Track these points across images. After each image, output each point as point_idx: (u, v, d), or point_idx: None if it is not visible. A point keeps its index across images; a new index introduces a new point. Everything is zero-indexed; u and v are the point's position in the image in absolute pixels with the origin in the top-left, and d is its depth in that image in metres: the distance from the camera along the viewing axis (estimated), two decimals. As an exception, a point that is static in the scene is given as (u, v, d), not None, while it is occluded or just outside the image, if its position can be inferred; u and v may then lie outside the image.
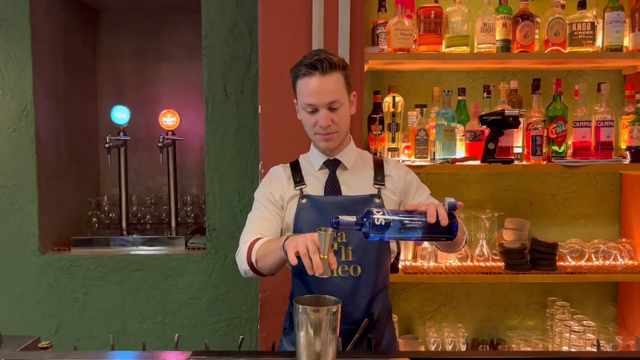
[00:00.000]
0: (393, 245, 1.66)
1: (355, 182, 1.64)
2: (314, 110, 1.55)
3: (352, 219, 1.28)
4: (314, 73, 1.52)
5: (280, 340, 1.72)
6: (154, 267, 2.65)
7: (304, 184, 1.64)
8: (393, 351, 1.67)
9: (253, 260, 1.49)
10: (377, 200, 1.60)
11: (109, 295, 2.65)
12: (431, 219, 1.28)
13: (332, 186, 1.63)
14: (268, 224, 1.61)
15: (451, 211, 1.31)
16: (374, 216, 1.26)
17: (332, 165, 1.65)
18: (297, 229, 1.61)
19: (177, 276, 2.65)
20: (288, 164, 1.71)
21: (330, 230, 1.26)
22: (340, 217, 1.28)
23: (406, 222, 1.29)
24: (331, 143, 1.60)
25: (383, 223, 1.26)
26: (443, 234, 1.32)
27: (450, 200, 1.31)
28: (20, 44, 2.59)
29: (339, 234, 1.53)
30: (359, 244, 1.57)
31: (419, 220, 1.29)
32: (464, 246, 1.63)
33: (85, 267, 2.64)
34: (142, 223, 3.13)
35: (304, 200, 1.61)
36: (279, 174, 1.69)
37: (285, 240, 1.34)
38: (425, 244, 2.43)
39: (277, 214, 1.63)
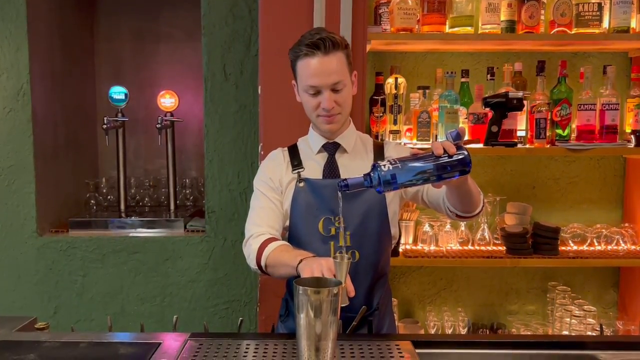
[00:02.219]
0: (394, 230, 1.62)
1: (355, 165, 1.59)
2: (317, 92, 1.50)
3: (360, 177, 1.24)
4: (316, 53, 1.47)
5: (277, 327, 1.70)
6: (153, 250, 2.63)
7: (302, 168, 1.60)
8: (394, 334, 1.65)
9: (263, 264, 1.48)
10: None
11: (107, 278, 2.64)
12: (438, 151, 1.23)
13: (331, 170, 1.59)
14: (271, 213, 1.58)
15: (456, 142, 1.25)
16: (381, 165, 1.22)
17: (332, 148, 1.61)
18: (294, 213, 1.58)
19: (176, 259, 2.63)
20: (286, 148, 1.67)
21: (346, 257, 1.24)
22: (348, 178, 1.26)
23: (415, 164, 1.23)
24: (334, 125, 1.55)
25: (391, 169, 1.21)
26: (456, 167, 1.25)
27: (451, 131, 1.26)
28: (16, 22, 2.54)
29: (343, 228, 1.48)
30: (358, 229, 1.53)
31: (427, 159, 1.24)
32: (482, 208, 1.52)
33: (84, 249, 2.62)
34: (141, 206, 3.10)
35: (301, 184, 1.57)
36: (278, 158, 1.65)
37: (300, 262, 1.31)
38: (427, 227, 2.41)
39: (279, 201, 1.60)
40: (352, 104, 1.59)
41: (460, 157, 1.24)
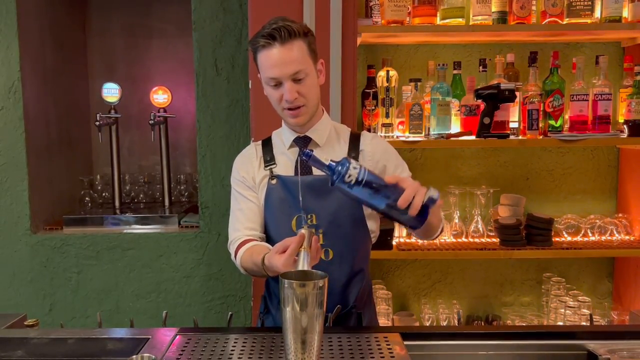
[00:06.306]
0: (373, 224, 1.56)
1: (328, 159, 1.57)
2: (278, 83, 1.45)
3: (326, 161, 1.24)
4: (273, 44, 1.41)
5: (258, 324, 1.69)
6: (147, 246, 2.63)
7: (274, 164, 1.55)
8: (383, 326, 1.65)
9: (242, 272, 1.52)
10: None
11: (102, 274, 2.64)
12: (402, 204, 1.19)
13: (303, 165, 1.53)
14: (249, 213, 1.56)
15: (427, 204, 1.21)
16: (348, 166, 1.20)
17: (302, 142, 1.54)
18: (267, 211, 1.55)
19: (170, 255, 2.63)
20: (260, 142, 1.63)
21: (305, 227, 1.27)
22: (316, 154, 1.26)
23: (377, 191, 1.21)
24: (301, 118, 1.49)
25: (352, 180, 1.20)
26: (408, 221, 1.23)
27: (433, 193, 1.21)
28: (6, 19, 2.53)
29: (310, 220, 1.48)
30: (330, 227, 1.49)
31: (390, 196, 1.21)
32: (438, 235, 1.50)
33: (78, 246, 2.62)
34: (136, 202, 3.10)
35: (273, 181, 1.53)
36: (250, 154, 1.61)
37: (263, 262, 1.35)
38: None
39: (256, 198, 1.57)
40: (320, 93, 1.53)
41: (418, 219, 1.22)
